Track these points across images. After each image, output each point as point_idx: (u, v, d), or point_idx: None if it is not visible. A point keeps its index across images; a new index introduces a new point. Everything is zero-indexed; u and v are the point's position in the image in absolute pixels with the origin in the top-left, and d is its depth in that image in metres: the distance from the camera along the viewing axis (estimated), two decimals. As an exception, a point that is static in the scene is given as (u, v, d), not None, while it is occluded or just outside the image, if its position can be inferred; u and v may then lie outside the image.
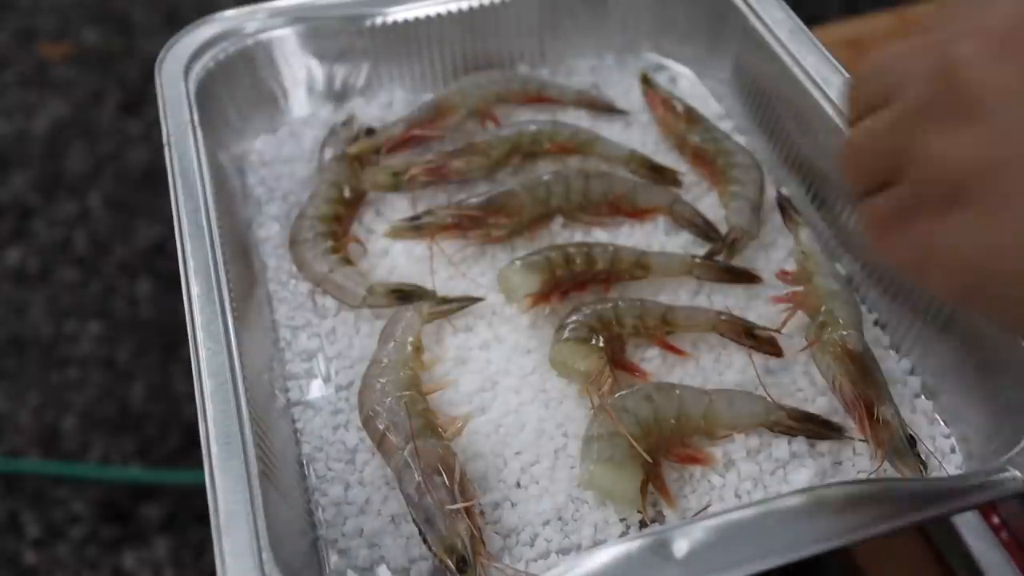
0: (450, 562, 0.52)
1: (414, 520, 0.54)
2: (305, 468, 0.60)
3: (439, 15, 0.81)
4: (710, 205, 0.75)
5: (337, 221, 0.72)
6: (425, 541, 0.53)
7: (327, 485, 0.59)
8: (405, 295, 0.67)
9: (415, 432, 0.57)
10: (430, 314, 0.66)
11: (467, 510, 0.53)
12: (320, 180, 0.75)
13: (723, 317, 0.64)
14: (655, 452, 0.56)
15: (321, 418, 0.62)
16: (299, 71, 0.81)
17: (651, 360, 0.64)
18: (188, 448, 1.42)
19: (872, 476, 0.57)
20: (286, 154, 0.79)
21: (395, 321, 0.65)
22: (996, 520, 0.62)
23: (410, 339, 0.63)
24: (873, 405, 0.58)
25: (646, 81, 0.84)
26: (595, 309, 0.64)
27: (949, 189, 0.36)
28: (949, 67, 0.36)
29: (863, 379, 0.59)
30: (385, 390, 0.60)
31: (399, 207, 0.75)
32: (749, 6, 0.77)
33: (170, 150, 0.67)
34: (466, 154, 0.74)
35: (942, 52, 0.37)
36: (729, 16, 0.79)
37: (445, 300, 0.67)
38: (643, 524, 0.56)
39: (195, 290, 0.58)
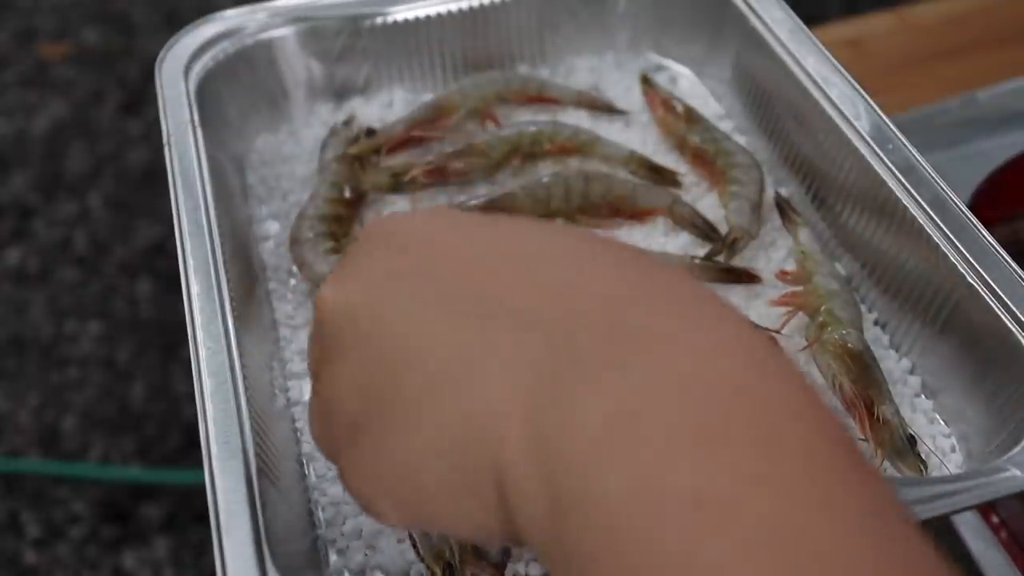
0: (437, 570, 0.52)
1: None
2: (305, 467, 0.60)
3: (439, 15, 0.81)
4: (710, 205, 0.75)
5: (337, 221, 0.72)
6: (414, 545, 0.53)
7: (326, 484, 0.59)
8: (405, 295, 0.67)
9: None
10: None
11: None
12: (320, 180, 0.75)
13: (723, 317, 0.64)
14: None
15: (321, 418, 0.62)
16: (299, 71, 0.81)
17: (651, 360, 0.64)
18: (188, 448, 1.42)
19: (872, 476, 0.57)
20: (286, 154, 0.79)
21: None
22: (995, 520, 0.62)
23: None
24: (873, 404, 0.58)
25: (646, 81, 0.84)
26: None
27: (346, 429, 0.35)
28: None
29: (863, 378, 0.59)
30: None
31: (400, 208, 0.75)
32: (749, 6, 0.77)
33: (170, 150, 0.67)
34: (466, 155, 0.74)
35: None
36: (729, 16, 0.79)
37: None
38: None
39: (195, 289, 0.58)
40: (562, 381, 0.28)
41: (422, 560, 0.53)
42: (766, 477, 0.25)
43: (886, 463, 0.57)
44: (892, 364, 0.64)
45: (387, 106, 0.83)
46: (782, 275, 0.68)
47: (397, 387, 0.32)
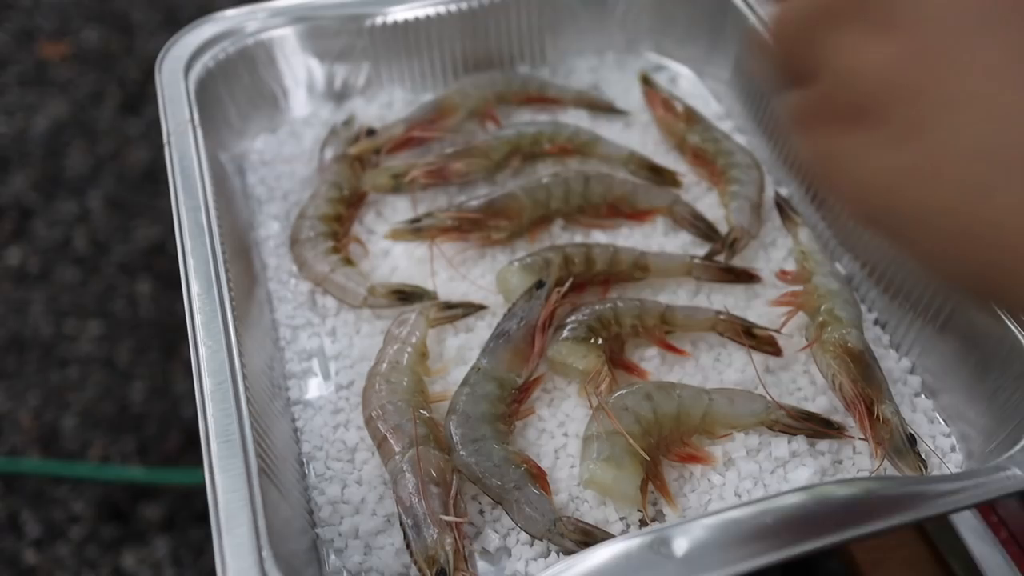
0: (428, 572, 0.52)
1: (401, 522, 0.54)
2: (305, 467, 0.60)
3: (439, 15, 0.81)
4: (710, 205, 0.75)
5: (338, 221, 0.72)
6: (408, 546, 0.53)
7: (325, 484, 0.59)
8: (406, 296, 0.67)
9: (418, 439, 0.57)
10: (435, 319, 0.66)
11: (457, 526, 0.53)
12: (321, 180, 0.75)
13: (722, 316, 0.64)
14: (655, 451, 0.56)
15: (321, 417, 0.62)
16: (299, 71, 0.81)
17: (651, 359, 0.64)
18: (188, 448, 1.42)
19: (872, 475, 0.57)
20: (286, 154, 0.79)
21: (400, 323, 0.65)
22: (995, 519, 0.62)
23: (415, 343, 0.63)
24: (873, 404, 0.58)
25: (646, 81, 0.84)
26: (594, 309, 0.64)
27: (859, 101, 0.32)
28: None
29: (863, 378, 0.59)
30: (391, 392, 0.60)
31: (400, 208, 0.75)
32: (749, 6, 0.77)
33: (170, 149, 0.67)
34: (466, 156, 0.74)
35: None
36: (729, 16, 0.80)
37: (449, 305, 0.67)
38: (643, 523, 0.56)
39: (195, 289, 0.58)
40: None
41: (415, 561, 0.53)
42: None
43: (886, 462, 0.57)
44: (892, 364, 0.64)
45: (387, 106, 0.83)
46: (782, 275, 0.68)
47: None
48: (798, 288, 0.66)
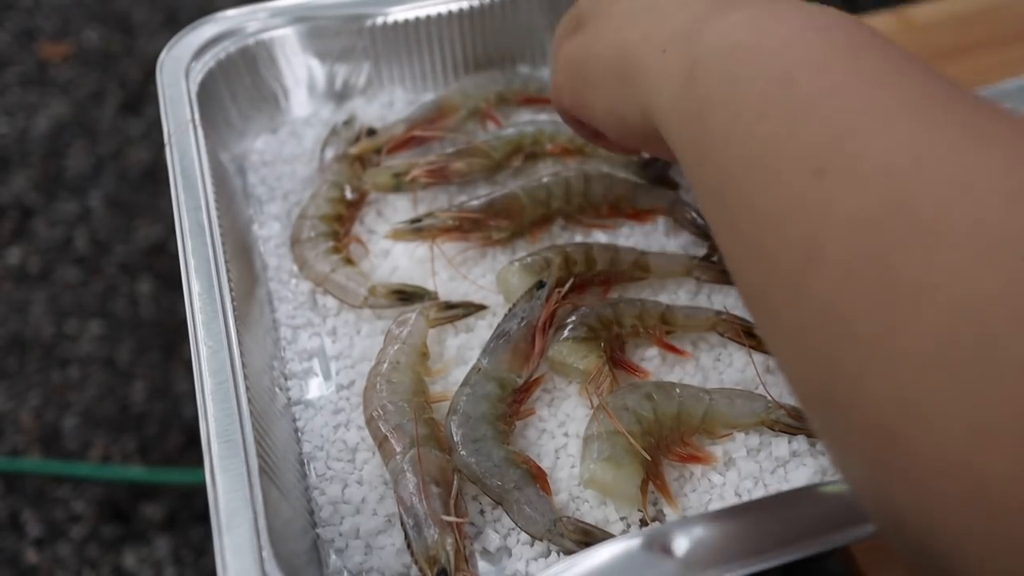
0: (429, 572, 0.52)
1: (402, 522, 0.54)
2: (306, 467, 0.60)
3: (440, 15, 0.81)
4: (710, 205, 0.75)
5: (338, 221, 0.73)
6: (409, 546, 0.53)
7: (326, 484, 0.59)
8: (406, 296, 0.67)
9: (420, 439, 0.57)
10: (435, 319, 0.66)
11: (458, 526, 0.53)
12: (321, 180, 0.75)
13: (723, 316, 0.64)
14: (655, 451, 0.57)
15: (322, 417, 0.62)
16: (300, 71, 0.81)
17: (651, 360, 0.64)
18: (188, 447, 1.42)
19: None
20: (287, 154, 0.79)
21: (401, 323, 0.65)
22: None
23: (415, 343, 0.63)
24: (873, 404, 0.58)
25: (646, 81, 0.84)
26: (594, 309, 0.64)
27: (576, 22, 0.56)
28: None
29: (863, 378, 0.59)
30: (392, 392, 0.60)
31: (401, 208, 0.75)
32: (749, 6, 0.77)
33: (171, 149, 0.67)
34: (467, 155, 0.74)
35: None
36: (729, 16, 0.79)
37: (449, 305, 0.67)
38: (643, 523, 0.56)
39: (196, 288, 0.58)
40: (715, 10, 0.43)
41: (416, 562, 0.53)
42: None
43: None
44: (892, 364, 0.64)
45: (388, 106, 0.83)
46: (782, 275, 0.68)
47: (606, 7, 0.53)
48: (798, 288, 0.66)
